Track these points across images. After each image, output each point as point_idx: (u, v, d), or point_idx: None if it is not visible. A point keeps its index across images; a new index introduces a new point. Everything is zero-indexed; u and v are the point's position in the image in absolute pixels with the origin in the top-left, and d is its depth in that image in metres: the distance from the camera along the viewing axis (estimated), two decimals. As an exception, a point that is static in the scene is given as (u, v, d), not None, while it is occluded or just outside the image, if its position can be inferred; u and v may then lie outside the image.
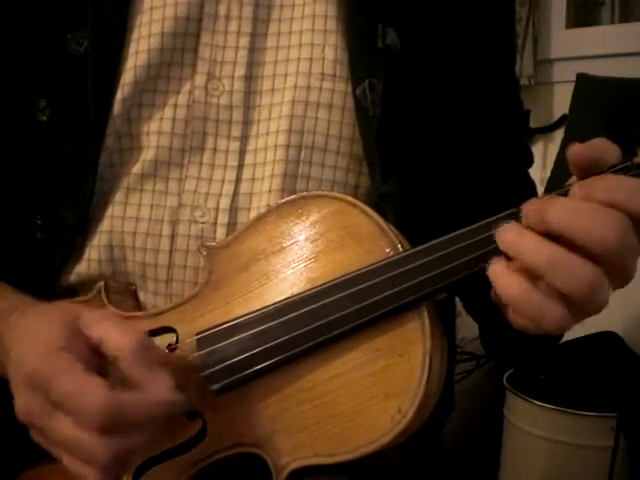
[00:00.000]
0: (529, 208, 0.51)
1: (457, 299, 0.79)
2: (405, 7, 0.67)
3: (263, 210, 0.63)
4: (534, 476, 1.43)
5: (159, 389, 0.51)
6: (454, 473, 0.86)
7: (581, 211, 0.49)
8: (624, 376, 1.41)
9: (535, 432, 1.42)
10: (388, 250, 0.58)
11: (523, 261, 0.50)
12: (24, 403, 0.52)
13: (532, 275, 0.50)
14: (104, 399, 0.48)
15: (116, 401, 0.49)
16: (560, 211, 0.49)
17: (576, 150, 0.53)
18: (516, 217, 0.53)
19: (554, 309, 0.49)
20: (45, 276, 0.69)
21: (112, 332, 0.52)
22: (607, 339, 1.50)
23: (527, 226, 0.51)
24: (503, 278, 0.51)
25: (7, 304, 0.62)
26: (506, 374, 1.52)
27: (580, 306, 0.50)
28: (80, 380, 0.49)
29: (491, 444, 1.54)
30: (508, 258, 0.52)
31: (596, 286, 0.48)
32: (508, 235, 0.51)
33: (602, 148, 0.53)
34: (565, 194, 0.52)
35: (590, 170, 0.53)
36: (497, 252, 0.53)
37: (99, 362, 0.52)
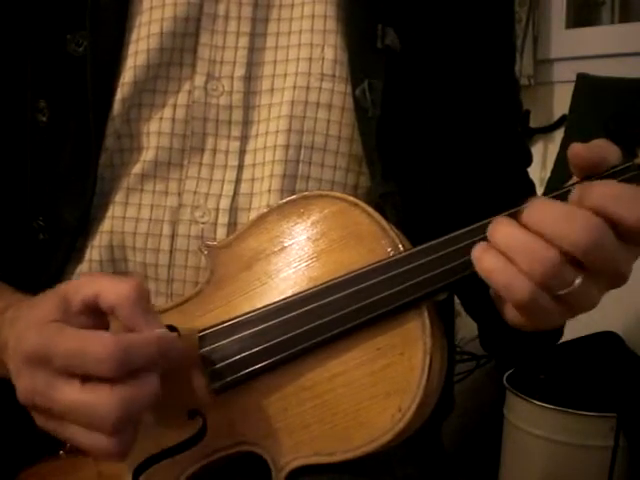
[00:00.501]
0: (525, 209, 0.52)
1: (457, 299, 0.79)
2: (404, 7, 0.68)
3: (263, 210, 0.63)
4: (534, 476, 1.43)
5: (158, 326, 0.52)
6: (454, 473, 0.86)
7: (561, 213, 0.50)
8: (624, 376, 1.41)
9: (535, 432, 1.42)
10: (389, 250, 0.58)
11: (495, 243, 0.52)
12: (26, 383, 0.51)
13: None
14: (110, 344, 0.49)
15: (121, 343, 0.49)
16: (543, 214, 0.51)
17: (577, 150, 0.53)
18: (514, 217, 0.53)
19: (522, 283, 0.50)
20: (46, 277, 0.69)
21: (106, 284, 0.52)
22: (607, 339, 1.50)
23: (533, 228, 0.51)
24: (481, 256, 0.53)
25: (4, 302, 0.62)
26: (506, 374, 1.52)
27: (550, 289, 0.50)
28: (81, 335, 0.50)
29: (491, 444, 1.54)
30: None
31: (551, 267, 0.49)
32: (492, 226, 0.53)
33: (603, 149, 0.53)
34: (564, 195, 0.52)
35: (590, 171, 0.53)
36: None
37: (94, 323, 0.53)
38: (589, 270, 0.51)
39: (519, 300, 0.51)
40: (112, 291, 0.52)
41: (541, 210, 0.51)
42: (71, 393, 0.50)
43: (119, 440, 0.50)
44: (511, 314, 0.54)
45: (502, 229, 0.52)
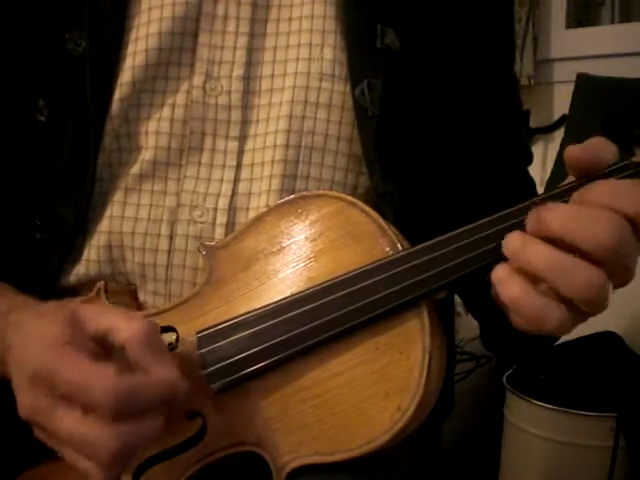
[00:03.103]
0: (530, 215, 0.51)
1: (457, 299, 0.79)
2: (404, 7, 0.68)
3: (262, 210, 0.63)
4: (534, 476, 1.43)
5: (167, 369, 0.51)
6: (454, 473, 0.86)
7: (580, 215, 0.49)
8: (624, 376, 1.41)
9: (535, 432, 1.41)
10: (388, 249, 0.58)
11: (525, 266, 0.50)
12: (27, 402, 0.51)
13: (534, 278, 0.50)
14: (115, 383, 0.48)
15: (126, 383, 0.48)
16: (559, 216, 0.50)
17: (573, 153, 0.53)
18: (514, 216, 0.53)
19: (555, 312, 0.50)
20: (44, 276, 0.69)
21: (119, 320, 0.52)
22: (607, 339, 1.49)
23: (530, 233, 0.51)
24: (505, 281, 0.51)
25: (7, 304, 0.62)
26: (506, 374, 1.51)
27: (581, 308, 0.50)
28: (87, 368, 0.49)
29: (491, 444, 1.54)
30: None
31: (597, 287, 0.48)
32: (511, 243, 0.51)
33: (599, 148, 0.53)
34: (563, 194, 0.52)
35: (587, 170, 0.53)
36: (496, 251, 0.54)
37: (101, 354, 0.52)
38: (607, 270, 0.49)
39: (547, 327, 0.50)
40: (124, 328, 0.51)
41: (561, 217, 0.49)
42: (71, 422, 0.49)
43: (110, 473, 0.50)
44: (518, 322, 0.53)
45: (533, 248, 0.50)
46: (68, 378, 0.49)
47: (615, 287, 0.52)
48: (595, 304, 0.49)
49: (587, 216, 0.49)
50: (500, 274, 0.52)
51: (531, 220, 0.51)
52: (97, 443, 0.49)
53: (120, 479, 0.54)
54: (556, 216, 0.50)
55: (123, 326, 0.51)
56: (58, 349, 0.50)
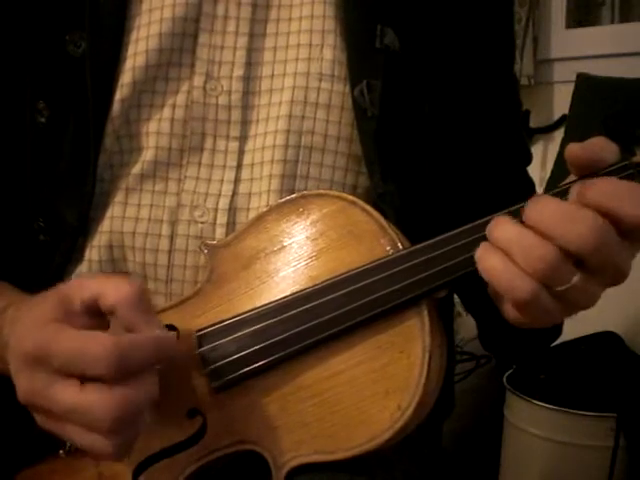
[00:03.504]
0: (527, 208, 0.52)
1: (457, 299, 0.79)
2: (404, 7, 0.68)
3: (262, 210, 0.63)
4: (534, 476, 1.43)
5: (158, 326, 0.53)
6: (454, 473, 0.86)
7: (566, 214, 0.50)
8: (624, 376, 1.41)
9: (535, 432, 1.42)
10: (388, 248, 0.58)
11: (494, 242, 0.52)
12: (25, 383, 0.52)
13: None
14: (107, 345, 0.49)
15: (119, 344, 0.49)
16: (544, 214, 0.51)
17: (574, 151, 0.53)
18: (515, 215, 0.53)
19: (524, 282, 0.51)
20: (47, 277, 0.69)
21: (106, 285, 0.53)
22: (607, 339, 1.50)
23: (535, 226, 0.51)
24: (483, 255, 0.53)
25: (4, 301, 0.62)
26: (506, 374, 1.52)
27: (549, 286, 0.51)
28: (79, 336, 0.50)
29: (491, 444, 1.54)
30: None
31: (549, 264, 0.50)
32: (492, 225, 0.53)
33: (600, 147, 0.53)
34: (563, 193, 0.52)
35: (588, 169, 0.53)
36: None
37: (94, 324, 0.53)
38: (589, 268, 0.51)
39: (519, 299, 0.51)
40: (112, 292, 0.52)
41: (542, 209, 0.51)
42: (69, 394, 0.50)
43: (117, 441, 0.50)
44: (510, 312, 0.54)
45: (500, 227, 0.52)
46: (62, 349, 0.50)
47: (608, 285, 0.53)
48: (551, 279, 0.50)
49: (572, 215, 0.50)
50: (480, 251, 0.53)
51: (524, 213, 0.52)
52: (97, 410, 0.49)
53: (129, 455, 0.54)
54: (540, 209, 0.51)
55: (111, 290, 0.52)
56: (49, 325, 0.51)
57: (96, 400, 0.49)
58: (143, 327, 0.52)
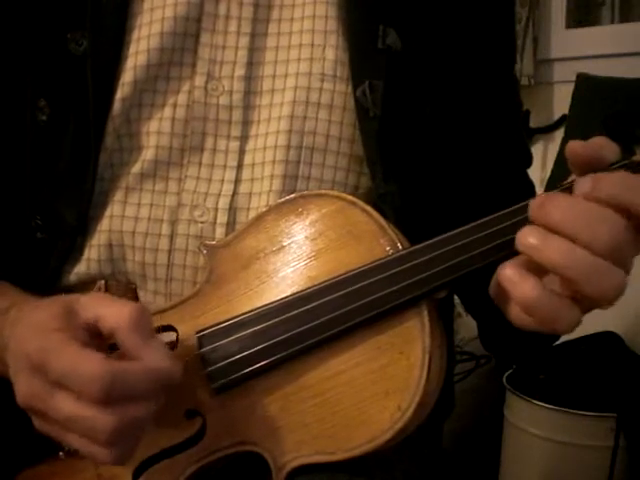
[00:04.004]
0: (532, 204, 0.51)
1: (457, 299, 0.79)
2: (406, 8, 0.67)
3: (262, 210, 0.63)
4: (534, 476, 1.43)
5: (156, 356, 0.51)
6: (454, 473, 0.86)
7: (581, 209, 0.49)
8: (624, 376, 1.41)
9: (535, 432, 1.42)
10: (388, 248, 0.58)
11: (544, 263, 0.49)
12: (24, 387, 0.51)
13: (539, 272, 0.50)
14: (101, 367, 0.48)
15: (113, 368, 0.49)
16: (561, 208, 0.49)
17: (575, 148, 0.53)
18: (513, 216, 0.53)
19: (569, 312, 0.49)
20: (45, 276, 0.69)
21: (108, 308, 0.52)
22: (607, 339, 1.50)
23: (544, 227, 0.50)
24: (516, 280, 0.50)
25: (7, 302, 0.62)
26: (506, 374, 1.52)
27: (595, 307, 0.50)
28: (76, 354, 0.50)
29: (491, 444, 1.54)
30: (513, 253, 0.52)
31: (622, 290, 0.48)
32: (530, 239, 0.50)
33: (601, 146, 0.53)
34: (568, 189, 0.52)
35: (589, 168, 0.53)
36: (496, 250, 0.54)
37: (96, 343, 0.52)
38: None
39: (559, 328, 0.50)
40: (112, 316, 0.51)
41: (562, 208, 0.49)
42: (67, 404, 0.50)
43: (116, 451, 0.50)
44: (516, 315, 0.53)
45: (554, 245, 0.49)
46: (58, 364, 0.49)
47: None
48: (612, 304, 0.49)
49: (589, 211, 0.48)
50: (509, 273, 0.51)
51: (533, 209, 0.50)
52: (95, 422, 0.49)
53: (130, 460, 0.54)
54: (558, 205, 0.49)
55: (112, 313, 0.52)
56: (50, 335, 0.51)
57: (94, 413, 0.49)
58: (141, 354, 0.51)
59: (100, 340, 0.53)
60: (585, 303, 0.50)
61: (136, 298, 0.67)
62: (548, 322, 0.50)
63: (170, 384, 0.52)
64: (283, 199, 0.62)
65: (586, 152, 0.52)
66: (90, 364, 0.49)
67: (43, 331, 0.51)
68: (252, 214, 0.66)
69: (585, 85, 1.81)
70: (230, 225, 0.66)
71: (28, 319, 0.54)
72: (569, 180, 0.55)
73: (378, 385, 0.56)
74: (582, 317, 0.50)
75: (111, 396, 0.49)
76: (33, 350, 0.51)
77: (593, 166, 0.53)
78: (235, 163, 0.67)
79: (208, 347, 0.58)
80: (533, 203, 0.50)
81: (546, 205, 0.50)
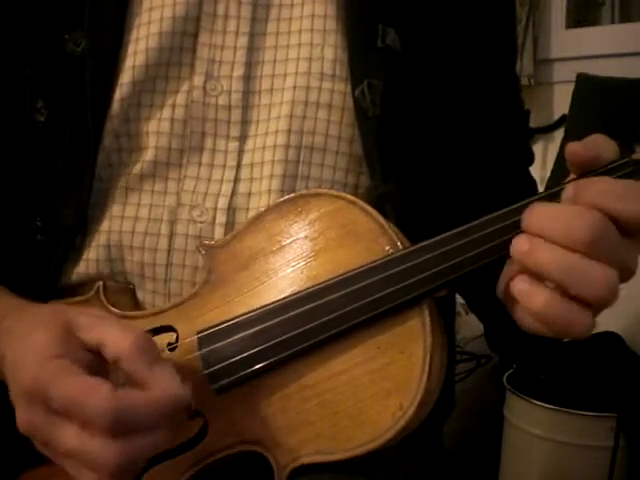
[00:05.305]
0: (524, 213, 0.52)
1: (457, 299, 0.79)
2: (405, 7, 0.67)
3: (261, 209, 0.63)
4: (534, 476, 1.43)
5: (165, 384, 0.50)
6: (454, 473, 0.86)
7: (559, 212, 0.50)
8: (624, 376, 1.41)
9: (535, 432, 1.42)
10: (388, 248, 0.58)
11: (534, 268, 0.50)
12: (24, 416, 0.50)
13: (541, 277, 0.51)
14: (110, 400, 0.47)
15: (123, 401, 0.47)
16: (543, 214, 0.50)
17: (573, 149, 0.53)
18: (513, 215, 0.53)
19: (582, 317, 0.50)
20: (44, 277, 0.69)
21: (110, 333, 0.51)
22: (607, 339, 1.49)
23: (532, 234, 0.51)
24: (528, 294, 0.51)
25: (1, 310, 0.62)
26: (506, 374, 1.52)
27: (600, 308, 0.50)
28: (81, 383, 0.48)
29: (491, 444, 1.54)
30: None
31: (614, 285, 0.49)
32: (518, 247, 0.51)
33: (600, 145, 0.53)
34: (559, 192, 0.52)
35: (588, 167, 0.53)
36: (497, 250, 0.54)
37: (98, 365, 0.51)
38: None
39: (573, 333, 0.50)
40: (114, 342, 0.50)
41: (538, 215, 0.51)
42: (69, 437, 0.48)
43: None
44: (531, 325, 0.53)
45: (540, 250, 0.50)
46: (62, 394, 0.48)
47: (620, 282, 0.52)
48: (610, 302, 0.50)
49: (563, 213, 0.49)
50: (521, 286, 0.52)
51: (523, 217, 0.52)
52: (98, 458, 0.48)
53: None
54: (533, 214, 0.51)
55: (114, 341, 0.50)
56: (51, 363, 0.49)
57: (96, 448, 0.48)
58: (149, 383, 0.49)
59: (102, 360, 0.51)
60: (590, 305, 0.50)
61: (135, 298, 0.67)
62: (563, 329, 0.51)
63: (182, 409, 0.51)
64: (282, 199, 0.62)
65: (585, 152, 0.53)
66: (96, 397, 0.47)
67: (41, 359, 0.50)
68: (251, 214, 0.65)
69: (585, 85, 1.81)
70: (229, 225, 0.66)
71: (25, 341, 0.52)
72: (567, 180, 0.55)
73: (379, 384, 0.56)
74: (595, 320, 0.51)
75: (117, 430, 0.47)
76: (31, 380, 0.49)
77: (592, 165, 0.53)
78: (234, 163, 0.66)
79: (208, 348, 0.58)
80: (524, 211, 0.51)
81: (533, 212, 0.51)
